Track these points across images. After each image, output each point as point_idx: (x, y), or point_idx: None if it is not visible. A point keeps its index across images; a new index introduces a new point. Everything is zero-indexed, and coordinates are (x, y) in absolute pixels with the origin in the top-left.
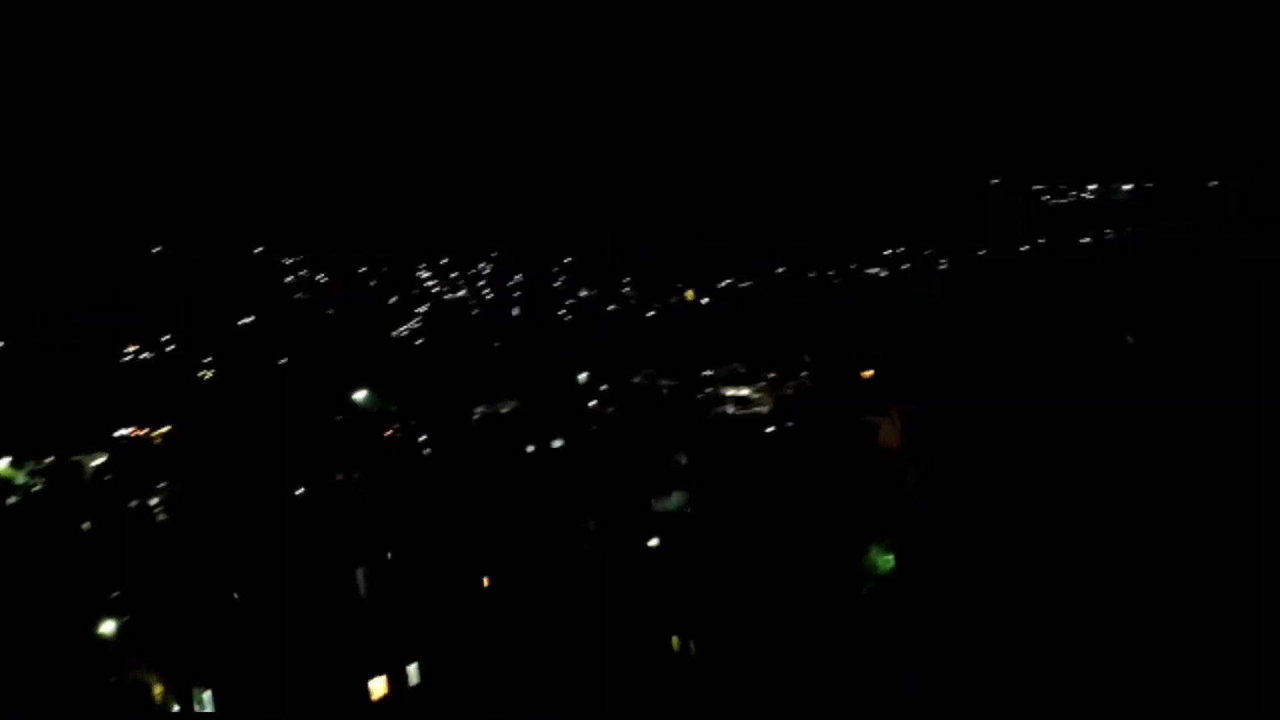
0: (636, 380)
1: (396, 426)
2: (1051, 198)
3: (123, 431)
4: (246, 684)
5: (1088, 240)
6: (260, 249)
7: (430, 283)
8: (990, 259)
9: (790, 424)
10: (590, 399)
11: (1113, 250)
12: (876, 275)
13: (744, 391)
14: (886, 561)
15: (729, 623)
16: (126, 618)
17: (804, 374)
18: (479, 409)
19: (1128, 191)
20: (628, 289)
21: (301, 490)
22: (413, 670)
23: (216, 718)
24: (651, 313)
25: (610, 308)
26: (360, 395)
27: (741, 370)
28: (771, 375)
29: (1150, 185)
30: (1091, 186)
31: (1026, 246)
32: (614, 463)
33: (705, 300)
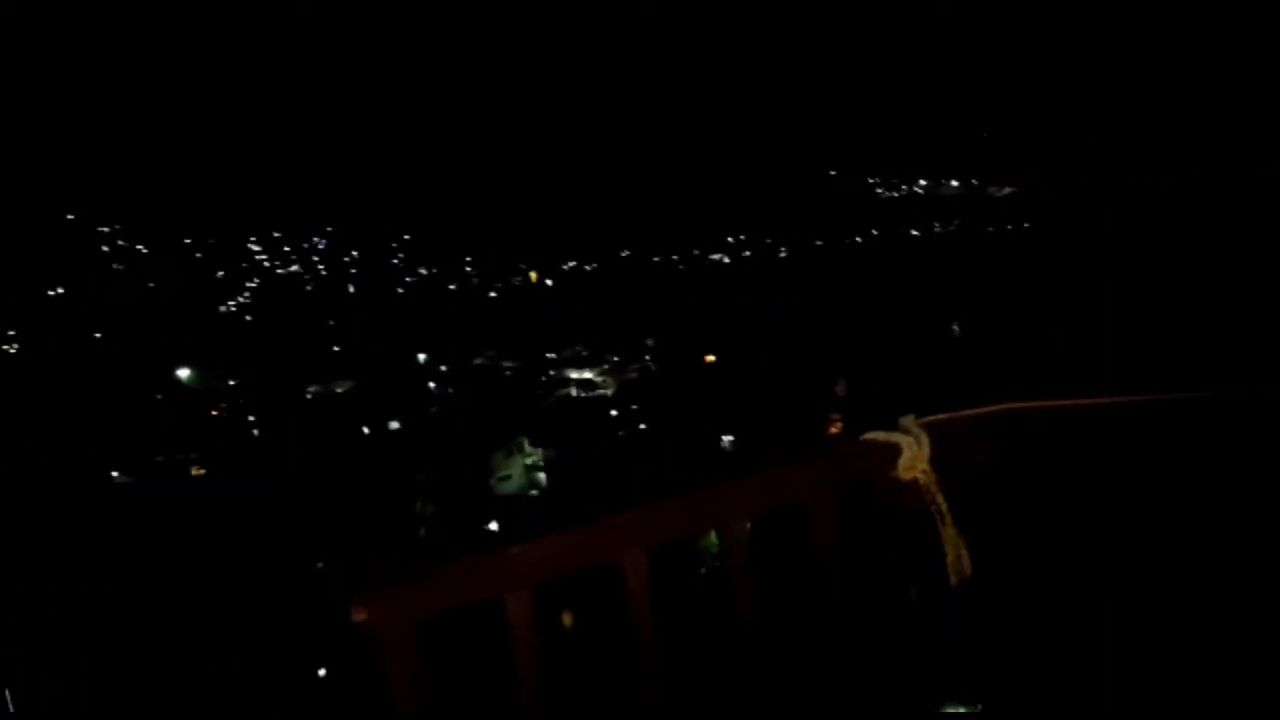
0: (478, 361)
1: (224, 405)
2: (885, 190)
3: None
4: (53, 685)
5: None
6: (73, 216)
7: (261, 256)
8: (827, 249)
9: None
10: (429, 380)
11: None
12: (720, 261)
13: (587, 375)
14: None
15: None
16: None
17: (646, 358)
18: (312, 388)
19: (955, 187)
20: (469, 268)
21: (118, 474)
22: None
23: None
24: (494, 293)
25: (451, 287)
26: (184, 372)
27: (585, 353)
28: (615, 359)
29: (975, 182)
30: (922, 181)
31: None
32: (454, 444)
33: (549, 282)
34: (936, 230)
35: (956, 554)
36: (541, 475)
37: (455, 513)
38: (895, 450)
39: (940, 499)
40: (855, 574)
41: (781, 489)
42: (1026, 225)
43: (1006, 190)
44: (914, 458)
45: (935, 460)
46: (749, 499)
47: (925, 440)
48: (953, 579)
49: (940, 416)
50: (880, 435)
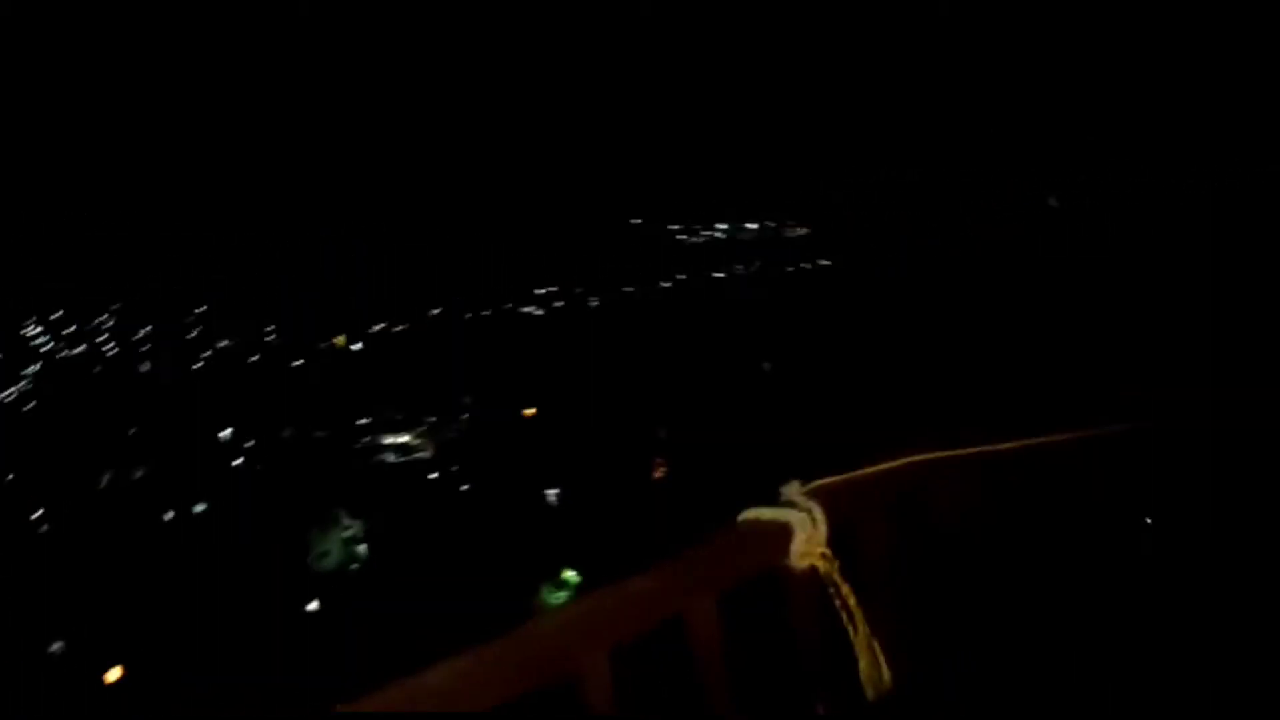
0: (286, 434)
1: (6, 502)
2: (687, 236)
3: None
4: None
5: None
6: None
7: (39, 340)
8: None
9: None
10: (235, 457)
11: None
12: (532, 314)
13: (404, 439)
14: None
15: None
16: None
17: (464, 416)
18: (107, 475)
19: (754, 229)
20: (273, 337)
21: None
22: None
23: None
24: (299, 361)
25: (253, 358)
26: None
27: (399, 417)
28: (431, 419)
29: (773, 224)
30: (721, 225)
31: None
32: (265, 523)
33: (356, 346)
34: (739, 271)
35: (871, 660)
36: (362, 548)
37: (271, 596)
38: (785, 532)
39: (846, 590)
40: (748, 695)
41: (648, 608)
42: (826, 263)
43: (800, 231)
44: (809, 539)
45: (835, 538)
46: (605, 629)
47: (820, 514)
48: (868, 693)
49: (831, 480)
50: (764, 514)
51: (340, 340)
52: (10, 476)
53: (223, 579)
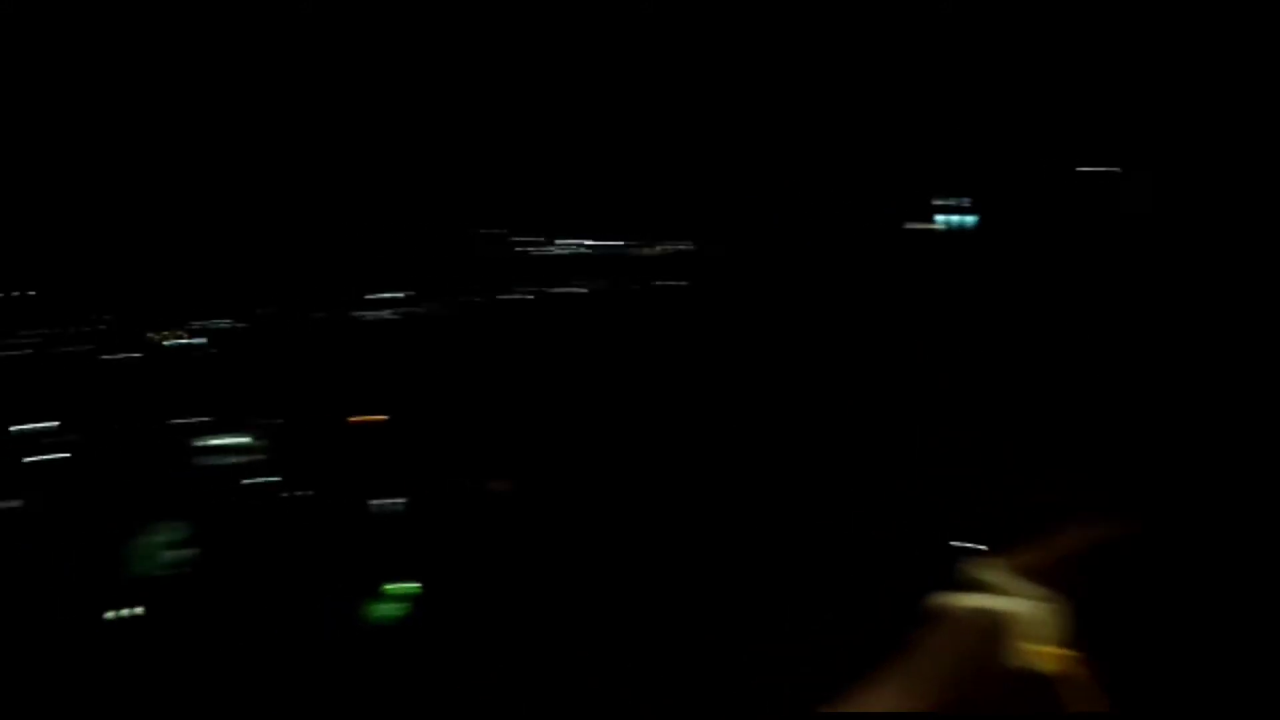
0: (101, 431)
1: None
2: (530, 249)
3: None
4: None
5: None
6: None
7: None
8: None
9: None
10: (35, 452)
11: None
12: (364, 317)
13: (235, 439)
14: None
15: None
16: None
17: (301, 419)
18: None
19: (589, 246)
20: (87, 327)
21: None
22: None
23: None
24: (108, 356)
25: (69, 348)
26: None
27: (217, 419)
28: (256, 420)
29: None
30: (558, 240)
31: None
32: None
33: (182, 338)
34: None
35: None
36: (187, 552)
37: (81, 604)
38: (1009, 624)
39: (1097, 697)
40: None
41: None
42: None
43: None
44: (1044, 633)
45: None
46: None
47: (1048, 602)
48: None
49: (1033, 555)
50: (974, 601)
51: (165, 335)
52: None
53: (28, 584)
